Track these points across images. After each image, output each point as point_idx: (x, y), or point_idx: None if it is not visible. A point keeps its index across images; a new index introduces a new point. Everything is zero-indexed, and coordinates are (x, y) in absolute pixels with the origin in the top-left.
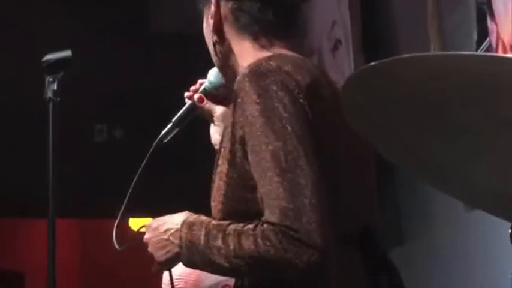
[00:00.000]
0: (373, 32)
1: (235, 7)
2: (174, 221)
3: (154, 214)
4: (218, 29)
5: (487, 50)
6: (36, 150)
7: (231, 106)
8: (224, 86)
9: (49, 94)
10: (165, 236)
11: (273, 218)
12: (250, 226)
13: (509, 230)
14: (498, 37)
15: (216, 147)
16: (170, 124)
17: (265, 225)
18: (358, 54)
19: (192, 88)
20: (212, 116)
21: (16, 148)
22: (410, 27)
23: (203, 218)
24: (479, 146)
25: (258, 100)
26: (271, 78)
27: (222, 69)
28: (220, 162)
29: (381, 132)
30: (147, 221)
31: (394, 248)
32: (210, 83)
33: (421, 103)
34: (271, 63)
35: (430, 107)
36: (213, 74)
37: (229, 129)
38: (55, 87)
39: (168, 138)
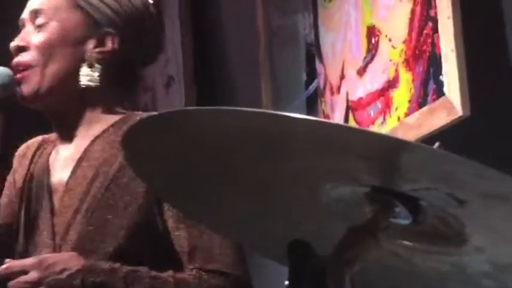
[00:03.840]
0: (207, 67)
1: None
2: (68, 262)
3: None
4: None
5: (316, 91)
6: None
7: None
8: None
9: None
10: (63, 277)
11: None
12: None
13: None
14: (326, 79)
15: None
16: None
17: None
18: (191, 89)
19: None
20: None
21: None
22: (243, 64)
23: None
24: (268, 200)
25: None
26: None
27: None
28: None
29: (168, 183)
30: None
31: None
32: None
33: (208, 156)
34: None
35: (217, 160)
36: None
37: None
38: None
39: None
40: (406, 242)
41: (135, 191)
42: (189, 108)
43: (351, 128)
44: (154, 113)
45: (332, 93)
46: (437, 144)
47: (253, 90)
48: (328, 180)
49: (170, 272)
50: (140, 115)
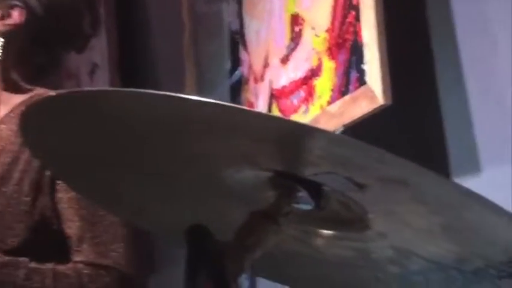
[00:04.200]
0: (132, 54)
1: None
2: None
3: None
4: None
5: (240, 79)
6: None
7: None
8: None
9: None
10: None
11: None
12: None
13: None
14: (250, 67)
15: None
16: None
17: None
18: (115, 76)
19: None
20: None
21: None
22: (168, 52)
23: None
24: (169, 184)
25: None
26: None
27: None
28: None
29: (67, 165)
30: None
31: None
32: None
33: (109, 138)
34: None
35: (118, 143)
36: None
37: None
38: None
39: None
40: (310, 228)
41: (29, 181)
42: (87, 89)
43: (248, 111)
44: (52, 92)
45: (256, 81)
46: (340, 128)
47: (177, 77)
48: (230, 165)
49: (51, 265)
50: (45, 93)
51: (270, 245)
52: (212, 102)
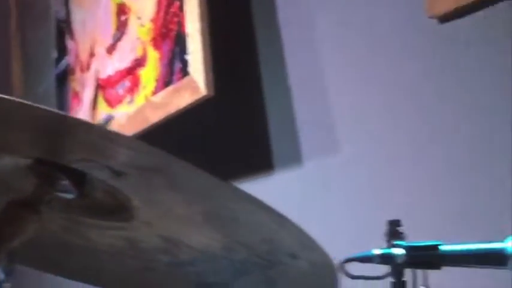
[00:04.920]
0: None
1: None
2: None
3: None
4: None
5: (66, 68)
6: None
7: None
8: None
9: None
10: None
11: None
12: None
13: None
14: (77, 56)
15: None
16: None
17: None
18: None
19: None
20: None
21: None
22: None
23: None
24: None
25: None
26: None
27: None
28: None
29: None
30: None
31: None
32: None
33: None
34: None
35: None
36: None
37: None
38: None
39: None
40: (77, 217)
41: None
42: None
43: (2, 99)
44: None
45: (82, 71)
46: (104, 117)
47: (3, 66)
48: None
49: None
50: None
51: (30, 234)
52: None
